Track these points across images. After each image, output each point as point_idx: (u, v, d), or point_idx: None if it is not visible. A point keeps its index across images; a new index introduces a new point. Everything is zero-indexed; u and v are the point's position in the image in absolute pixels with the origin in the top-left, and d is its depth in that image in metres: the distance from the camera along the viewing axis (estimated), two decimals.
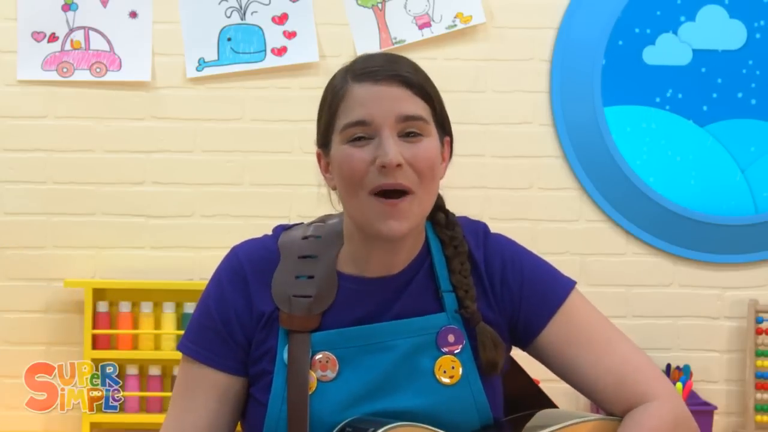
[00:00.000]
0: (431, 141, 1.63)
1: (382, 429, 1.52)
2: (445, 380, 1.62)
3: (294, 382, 1.59)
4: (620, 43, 3.90)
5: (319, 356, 1.61)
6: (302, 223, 1.76)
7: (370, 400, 1.60)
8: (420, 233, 1.68)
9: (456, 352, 1.63)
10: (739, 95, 3.91)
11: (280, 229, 1.74)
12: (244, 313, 1.65)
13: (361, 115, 1.60)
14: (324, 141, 1.68)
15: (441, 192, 1.71)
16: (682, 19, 3.91)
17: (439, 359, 1.63)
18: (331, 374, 1.61)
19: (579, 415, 1.65)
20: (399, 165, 1.57)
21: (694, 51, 3.91)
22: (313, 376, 1.60)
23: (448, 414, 1.61)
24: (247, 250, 1.70)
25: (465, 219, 1.74)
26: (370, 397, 1.60)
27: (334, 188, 1.68)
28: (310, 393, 1.59)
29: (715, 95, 3.91)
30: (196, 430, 1.65)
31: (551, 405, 1.79)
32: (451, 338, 1.64)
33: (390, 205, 1.58)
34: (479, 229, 1.73)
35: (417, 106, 1.61)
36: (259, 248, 1.70)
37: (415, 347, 1.63)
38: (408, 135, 1.60)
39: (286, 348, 1.62)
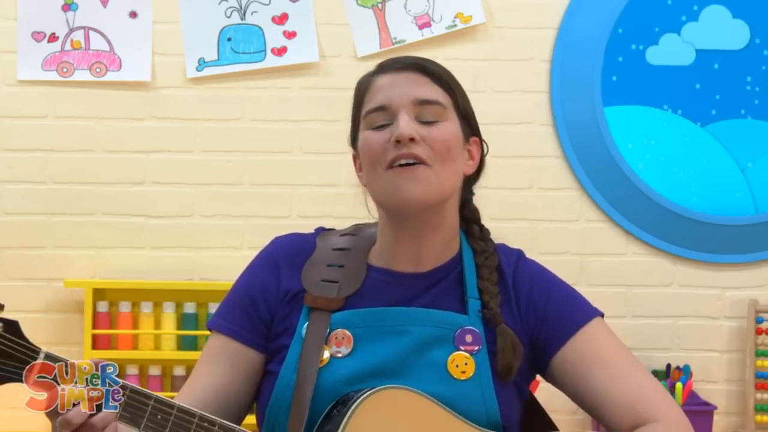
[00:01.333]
0: (450, 125, 1.67)
1: (375, 389, 1.56)
2: (457, 375, 1.64)
3: (306, 354, 1.63)
4: (621, 43, 3.90)
5: (335, 333, 1.65)
6: (339, 229, 1.82)
7: (378, 379, 1.62)
8: (452, 238, 1.72)
9: (472, 352, 1.65)
10: (742, 95, 3.91)
11: (321, 229, 1.81)
12: (271, 290, 1.71)
13: (380, 101, 1.67)
14: (353, 137, 1.74)
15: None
16: (684, 18, 3.91)
17: (454, 354, 1.65)
18: (345, 350, 1.64)
19: None
20: (413, 139, 1.62)
21: (697, 51, 3.91)
22: (327, 351, 1.64)
23: (456, 407, 1.62)
24: (286, 240, 1.78)
25: (502, 245, 1.79)
26: (380, 375, 1.62)
27: (365, 184, 1.73)
28: (321, 366, 1.63)
29: (717, 96, 3.91)
30: (209, 392, 1.68)
31: None
32: (468, 338, 1.66)
33: (405, 170, 1.62)
34: (514, 252, 1.77)
35: (435, 92, 1.67)
36: (297, 239, 1.78)
37: (431, 338, 1.65)
38: (426, 121, 1.65)
39: (306, 324, 1.66)
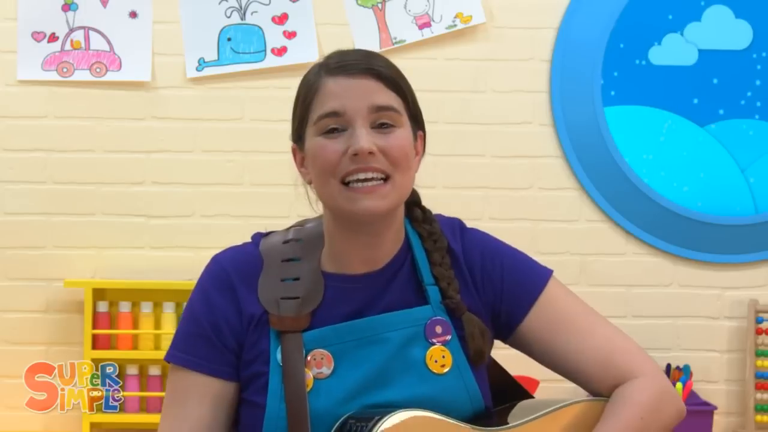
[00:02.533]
0: (404, 131, 1.65)
1: (387, 417, 1.53)
2: (437, 370, 1.64)
3: (290, 381, 1.60)
4: (622, 43, 3.90)
5: (313, 354, 1.62)
6: (279, 230, 1.77)
7: (366, 394, 1.61)
8: (399, 229, 1.70)
9: (445, 342, 1.65)
10: (745, 96, 3.91)
11: (259, 236, 1.75)
12: (233, 317, 1.66)
13: (334, 107, 1.62)
14: (298, 135, 1.71)
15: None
16: (686, 18, 3.91)
17: (430, 349, 1.65)
18: (327, 371, 1.62)
19: (566, 400, 1.67)
20: (371, 153, 1.60)
21: (700, 51, 3.91)
22: (309, 374, 1.61)
23: (443, 403, 1.62)
24: (230, 257, 1.72)
25: (440, 216, 1.77)
26: (367, 390, 1.61)
27: (309, 182, 1.70)
28: (307, 390, 1.60)
29: (718, 96, 3.91)
30: None
31: (528, 396, 1.82)
32: (438, 329, 1.66)
33: (365, 189, 1.60)
34: (455, 224, 1.75)
35: (389, 98, 1.64)
36: (241, 255, 1.72)
37: (406, 339, 1.64)
38: (381, 126, 1.62)
39: (279, 349, 1.62)
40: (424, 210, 1.75)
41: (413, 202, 1.74)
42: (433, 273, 1.68)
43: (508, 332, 1.72)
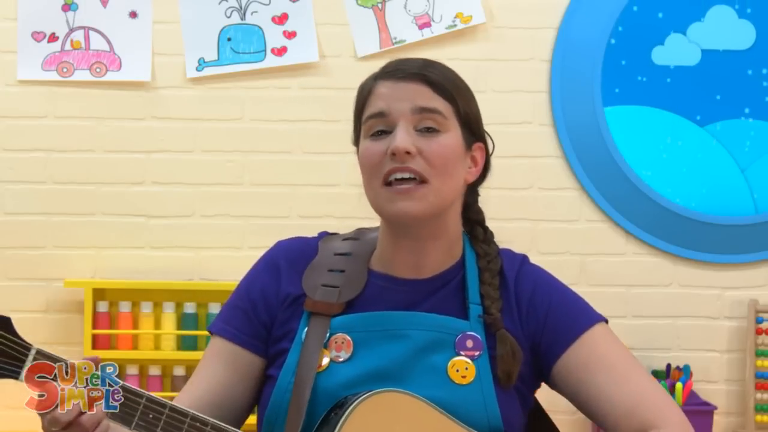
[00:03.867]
0: (449, 137, 1.66)
1: (373, 392, 1.56)
2: (458, 380, 1.63)
3: (305, 357, 1.63)
4: (623, 43, 3.89)
5: (335, 338, 1.65)
6: (342, 233, 1.81)
7: (377, 383, 1.62)
8: (455, 244, 1.71)
9: (473, 357, 1.65)
10: (747, 96, 3.91)
11: (325, 233, 1.80)
12: (271, 293, 1.71)
13: (379, 107, 1.65)
14: (356, 140, 1.73)
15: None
16: (690, 19, 3.91)
17: (454, 359, 1.64)
18: (345, 355, 1.64)
19: None
20: (409, 152, 1.61)
21: (703, 51, 3.91)
22: (327, 355, 1.64)
23: (456, 412, 1.61)
24: (288, 243, 1.78)
25: (507, 250, 1.77)
26: (379, 380, 1.62)
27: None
28: (321, 370, 1.63)
29: (719, 96, 3.91)
30: (208, 394, 1.68)
31: None
32: (469, 344, 1.65)
33: (400, 192, 1.62)
34: (518, 257, 1.76)
35: (435, 101, 1.65)
36: (299, 243, 1.77)
37: (431, 342, 1.65)
38: (426, 130, 1.64)
39: (306, 329, 1.66)
40: (486, 230, 1.77)
41: (476, 221, 1.76)
42: (480, 292, 1.69)
43: (546, 369, 1.70)
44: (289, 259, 1.73)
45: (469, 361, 1.64)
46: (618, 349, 1.71)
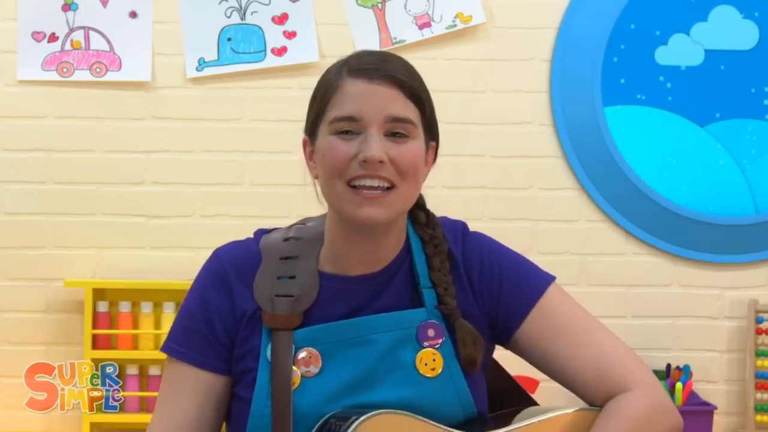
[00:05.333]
0: (416, 143, 1.64)
1: (364, 417, 1.53)
2: (427, 373, 1.64)
3: (277, 378, 1.61)
4: (623, 43, 3.90)
5: (302, 353, 1.63)
6: (281, 227, 1.77)
7: (353, 394, 1.61)
8: (401, 232, 1.70)
9: (436, 346, 1.65)
10: (750, 96, 3.91)
11: (261, 233, 1.77)
12: (227, 312, 1.67)
13: (351, 111, 1.62)
14: (311, 130, 1.70)
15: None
16: (693, 20, 3.91)
17: (420, 352, 1.64)
18: (314, 369, 1.62)
19: (560, 407, 1.66)
20: (381, 162, 1.60)
21: (707, 51, 3.91)
22: (297, 372, 1.62)
23: (432, 406, 1.62)
24: (229, 253, 1.73)
25: (445, 219, 1.76)
26: (353, 390, 1.62)
27: (316, 177, 1.70)
28: (294, 388, 1.61)
29: (721, 96, 3.91)
30: (182, 427, 1.66)
31: (532, 402, 1.80)
32: (431, 332, 1.65)
33: (370, 196, 1.60)
34: (458, 227, 1.75)
35: (407, 109, 1.63)
36: (240, 250, 1.73)
37: (396, 341, 1.64)
38: (394, 135, 1.62)
39: (269, 346, 1.63)
40: (428, 213, 1.75)
41: (417, 205, 1.73)
42: (430, 278, 1.68)
43: (506, 337, 1.71)
44: (237, 272, 1.68)
45: (434, 351, 1.65)
46: (574, 309, 1.71)
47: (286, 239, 1.73)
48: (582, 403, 1.70)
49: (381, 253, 1.68)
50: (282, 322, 1.64)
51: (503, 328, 1.70)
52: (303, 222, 1.78)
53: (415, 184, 1.65)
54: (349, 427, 1.53)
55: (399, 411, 1.57)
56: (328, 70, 1.71)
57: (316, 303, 1.66)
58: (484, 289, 1.70)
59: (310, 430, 1.59)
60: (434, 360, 1.64)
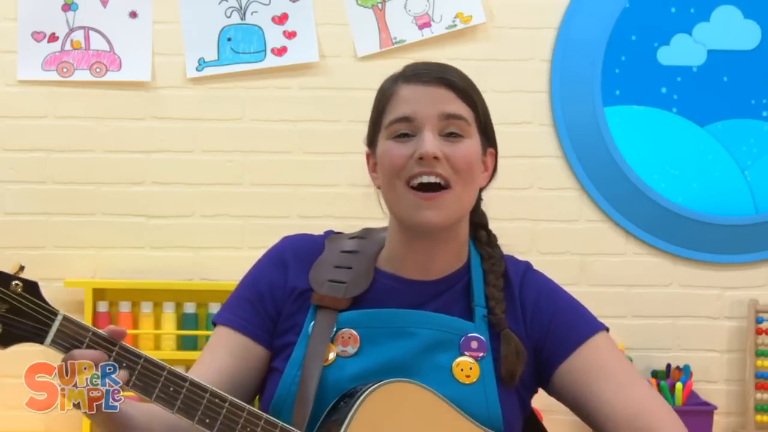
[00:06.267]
0: (471, 142, 1.68)
1: (383, 382, 1.57)
2: (462, 379, 1.65)
3: (311, 351, 1.64)
4: (624, 43, 3.89)
5: (342, 333, 1.66)
6: (348, 233, 1.83)
7: (384, 378, 1.62)
8: (462, 247, 1.73)
9: (477, 358, 1.67)
10: (752, 96, 3.91)
11: (330, 232, 1.82)
12: (278, 286, 1.73)
13: (405, 112, 1.67)
14: (371, 140, 1.74)
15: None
16: (695, 20, 3.90)
17: (459, 359, 1.66)
18: (351, 350, 1.66)
19: None
20: (436, 157, 1.64)
21: (709, 51, 3.91)
22: (334, 350, 1.66)
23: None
24: (295, 239, 1.80)
25: (510, 257, 1.79)
26: (385, 375, 1.63)
27: (379, 187, 1.73)
28: (327, 364, 1.64)
29: (722, 96, 3.91)
30: (214, 382, 1.66)
31: None
32: (474, 345, 1.67)
33: (426, 198, 1.64)
34: (522, 264, 1.78)
35: (460, 107, 1.68)
36: (306, 239, 1.79)
37: (437, 341, 1.66)
38: (449, 135, 1.66)
39: (313, 323, 1.67)
40: (489, 233, 1.79)
41: (480, 224, 1.78)
42: (485, 293, 1.71)
43: (547, 376, 1.72)
44: (297, 255, 1.75)
45: (473, 361, 1.66)
46: (619, 358, 1.73)
47: (352, 238, 1.78)
48: None
49: (438, 261, 1.71)
50: (330, 301, 1.68)
51: (546, 363, 1.72)
52: (370, 228, 1.83)
53: (472, 185, 1.69)
54: (368, 388, 1.57)
55: (419, 383, 1.60)
56: (384, 81, 1.75)
57: (367, 293, 1.70)
58: (536, 320, 1.72)
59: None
60: (471, 369, 1.66)
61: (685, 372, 3.81)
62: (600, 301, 3.83)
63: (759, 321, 3.88)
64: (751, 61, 3.92)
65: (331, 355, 1.65)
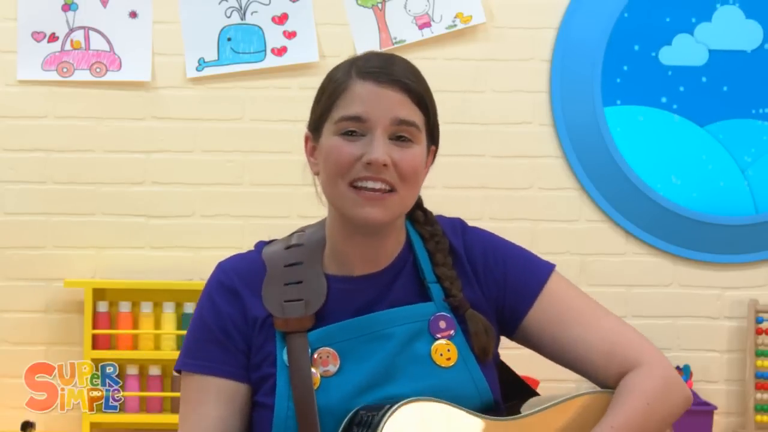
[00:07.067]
0: (419, 149, 1.67)
1: (397, 405, 1.55)
2: (443, 363, 1.66)
3: (297, 381, 1.61)
4: (624, 43, 3.89)
5: (319, 352, 1.63)
6: (280, 238, 1.78)
7: (373, 389, 1.62)
8: (401, 231, 1.73)
9: (449, 337, 1.67)
10: (753, 96, 3.91)
11: (262, 244, 1.77)
12: (239, 319, 1.67)
13: (358, 111, 1.64)
14: (316, 126, 1.71)
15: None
16: (694, 20, 3.90)
17: (435, 344, 1.66)
18: (333, 368, 1.63)
19: (572, 393, 1.69)
20: (385, 165, 1.62)
21: (711, 51, 3.91)
22: (316, 372, 1.62)
23: (451, 396, 1.63)
24: (233, 264, 1.73)
25: (441, 217, 1.79)
26: (374, 385, 1.63)
27: (316, 173, 1.72)
28: (315, 389, 1.61)
29: (722, 96, 3.91)
30: None
31: (534, 393, 1.82)
32: (442, 324, 1.68)
33: (369, 198, 1.63)
34: (456, 223, 1.78)
35: (413, 113, 1.66)
36: (244, 261, 1.73)
37: (410, 334, 1.66)
38: (399, 138, 1.64)
39: (285, 349, 1.64)
40: (425, 212, 1.77)
41: (416, 205, 1.76)
42: (435, 273, 1.70)
43: (513, 327, 1.74)
44: (243, 281, 1.69)
45: (448, 341, 1.67)
46: (578, 294, 1.76)
47: (288, 247, 1.74)
48: (590, 388, 1.72)
49: (382, 252, 1.70)
50: (295, 324, 1.64)
51: (510, 317, 1.73)
52: (302, 230, 1.79)
53: (415, 187, 1.68)
54: (384, 416, 1.54)
55: (430, 397, 1.60)
56: (336, 69, 1.72)
57: (327, 304, 1.67)
58: (490, 280, 1.73)
59: (338, 426, 1.59)
60: (449, 350, 1.66)
61: (685, 372, 3.81)
62: (600, 301, 3.81)
63: (759, 321, 3.89)
64: (753, 62, 3.92)
65: (315, 377, 1.62)
